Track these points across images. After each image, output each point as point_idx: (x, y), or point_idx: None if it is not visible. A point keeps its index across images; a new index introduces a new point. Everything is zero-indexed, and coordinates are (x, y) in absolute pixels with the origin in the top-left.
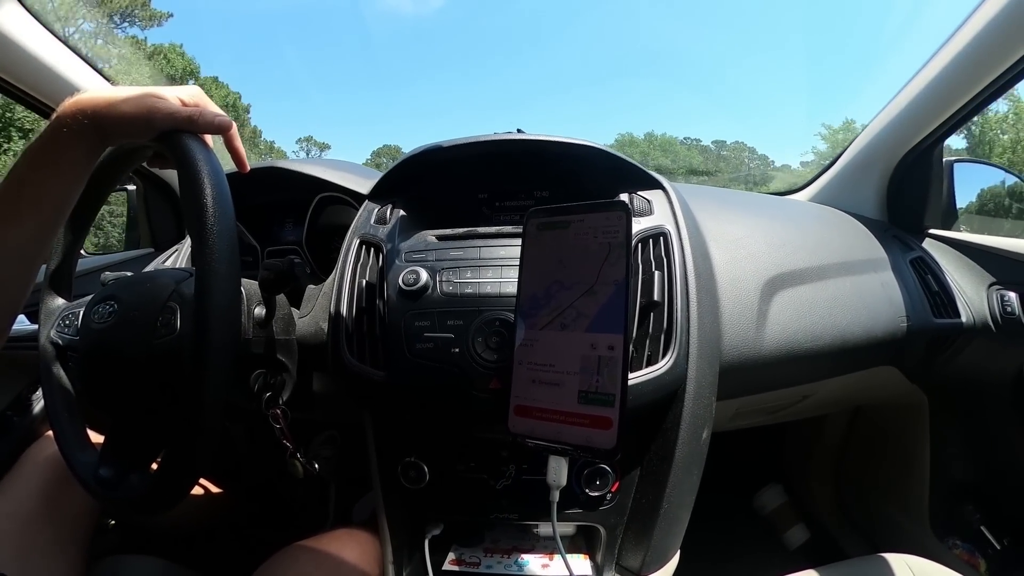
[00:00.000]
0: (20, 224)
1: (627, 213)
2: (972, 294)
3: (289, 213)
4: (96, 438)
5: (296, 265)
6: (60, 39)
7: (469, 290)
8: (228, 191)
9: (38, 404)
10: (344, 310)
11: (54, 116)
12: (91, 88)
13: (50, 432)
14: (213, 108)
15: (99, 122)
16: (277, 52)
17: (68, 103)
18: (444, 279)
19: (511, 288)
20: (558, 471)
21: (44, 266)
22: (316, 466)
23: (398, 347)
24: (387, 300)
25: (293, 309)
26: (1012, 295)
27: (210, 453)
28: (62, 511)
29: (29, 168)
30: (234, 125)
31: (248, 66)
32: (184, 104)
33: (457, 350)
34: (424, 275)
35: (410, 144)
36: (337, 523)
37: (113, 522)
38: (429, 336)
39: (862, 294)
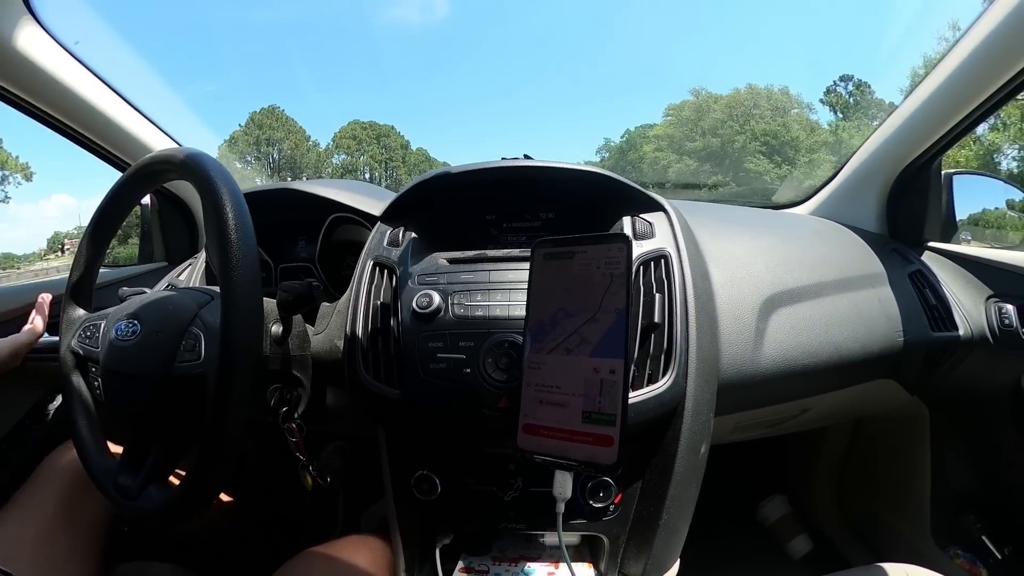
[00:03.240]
0: None
1: (628, 245)
2: (970, 307)
3: (301, 230)
4: (113, 448)
5: (314, 287)
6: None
7: (479, 312)
8: (249, 219)
9: (56, 413)
10: (360, 330)
11: None
12: None
13: (68, 441)
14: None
15: None
16: (286, 61)
17: None
18: (456, 302)
19: (519, 311)
20: (564, 484)
21: (67, 277)
22: (328, 479)
23: (412, 367)
24: (401, 321)
25: (308, 326)
26: (1010, 308)
27: (230, 474)
28: (78, 518)
29: None
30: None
31: (257, 77)
32: None
33: (469, 370)
34: (437, 298)
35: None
36: (345, 532)
37: (126, 528)
38: (442, 357)
39: (859, 310)
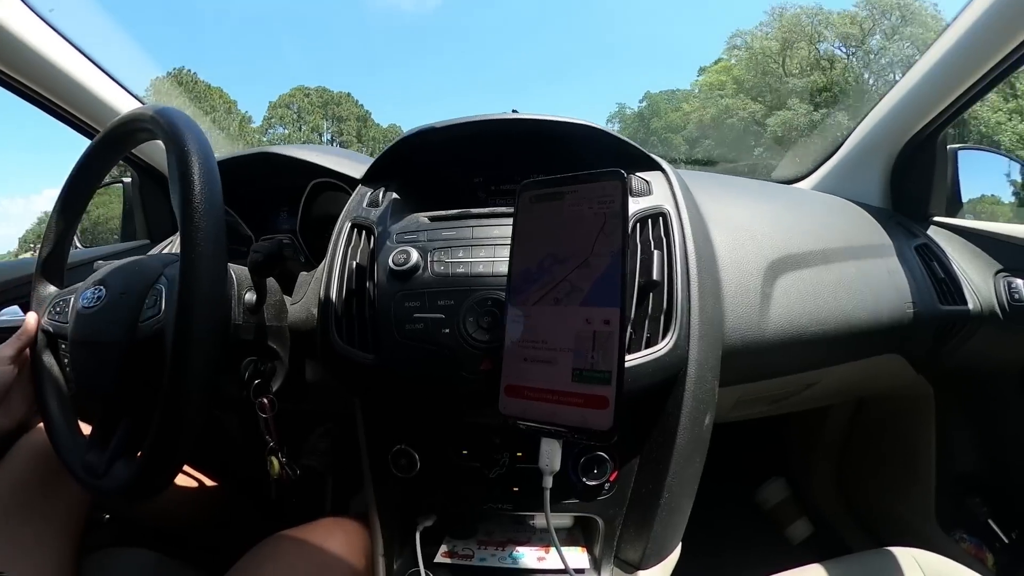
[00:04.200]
0: None
1: (622, 182)
2: (979, 281)
3: (284, 202)
4: (87, 429)
5: (285, 246)
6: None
7: (461, 270)
8: (216, 170)
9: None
10: (334, 293)
11: None
12: None
13: (41, 424)
14: None
15: None
16: (276, 47)
17: None
18: (435, 259)
19: (504, 268)
20: (551, 455)
21: (36, 253)
22: (298, 472)
23: (387, 329)
24: (377, 282)
25: (285, 296)
26: (1020, 282)
27: (192, 440)
28: (52, 503)
29: None
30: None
31: (247, 63)
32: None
33: (448, 331)
34: (415, 255)
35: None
36: (335, 515)
37: (108, 516)
38: (419, 317)
39: (867, 279)
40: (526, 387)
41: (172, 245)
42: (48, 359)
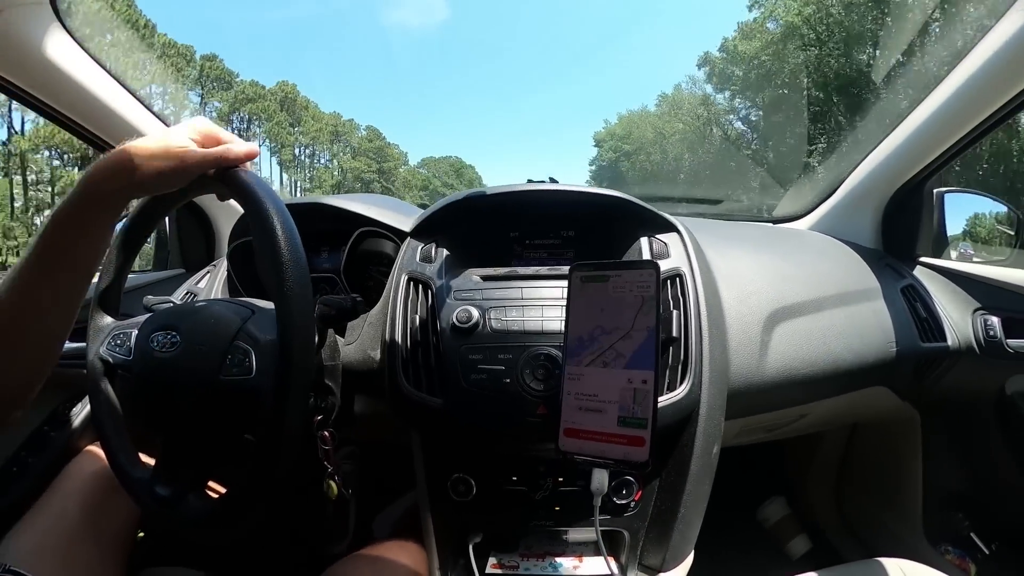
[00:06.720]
0: (53, 285)
1: (657, 271)
2: (958, 319)
3: (324, 242)
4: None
5: (358, 303)
6: (111, 74)
7: (515, 327)
8: (299, 241)
9: (76, 420)
10: (399, 341)
11: (82, 183)
12: (118, 147)
13: (89, 447)
14: (234, 138)
15: (130, 183)
16: (296, 60)
17: (96, 169)
18: (493, 317)
19: (552, 325)
20: (601, 480)
21: (94, 283)
22: (349, 490)
23: (454, 377)
24: (441, 335)
25: (337, 336)
26: (995, 319)
27: (279, 486)
28: (103, 527)
29: (58, 233)
30: (258, 150)
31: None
32: (202, 141)
33: (508, 380)
34: (475, 313)
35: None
36: (357, 536)
37: (142, 534)
38: (483, 368)
39: (855, 322)
40: (581, 430)
41: (211, 277)
42: (105, 387)
